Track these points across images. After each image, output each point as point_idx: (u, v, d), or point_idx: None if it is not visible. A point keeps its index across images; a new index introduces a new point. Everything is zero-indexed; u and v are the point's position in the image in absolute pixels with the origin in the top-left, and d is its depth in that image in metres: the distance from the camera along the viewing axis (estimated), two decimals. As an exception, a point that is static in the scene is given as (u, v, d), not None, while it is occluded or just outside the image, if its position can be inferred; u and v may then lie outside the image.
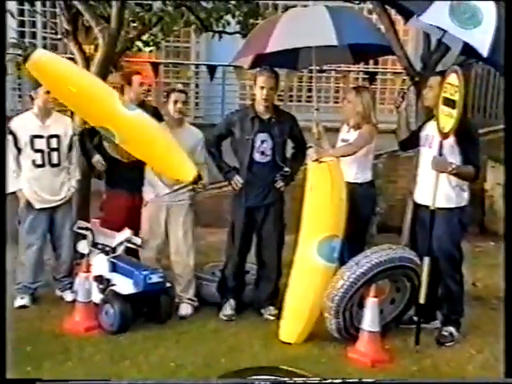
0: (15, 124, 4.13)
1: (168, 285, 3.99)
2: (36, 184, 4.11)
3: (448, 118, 3.53)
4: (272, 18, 4.60)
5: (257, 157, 4.01)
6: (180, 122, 4.12)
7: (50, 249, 4.36)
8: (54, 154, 4.13)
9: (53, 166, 4.14)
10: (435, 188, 3.61)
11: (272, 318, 4.04)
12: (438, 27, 3.55)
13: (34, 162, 4.09)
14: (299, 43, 3.82)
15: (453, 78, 3.52)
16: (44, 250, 4.31)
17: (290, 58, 4.29)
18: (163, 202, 4.10)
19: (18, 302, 4.17)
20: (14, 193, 4.14)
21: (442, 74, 3.85)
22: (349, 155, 3.96)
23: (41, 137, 4.09)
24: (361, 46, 4.06)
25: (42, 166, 4.10)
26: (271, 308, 4.12)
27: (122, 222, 4.11)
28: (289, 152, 4.24)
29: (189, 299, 4.16)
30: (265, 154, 4.02)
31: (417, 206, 3.94)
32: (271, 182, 4.03)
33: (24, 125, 4.13)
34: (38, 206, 4.14)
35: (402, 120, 4.06)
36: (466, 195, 3.78)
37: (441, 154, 3.61)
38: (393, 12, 5.05)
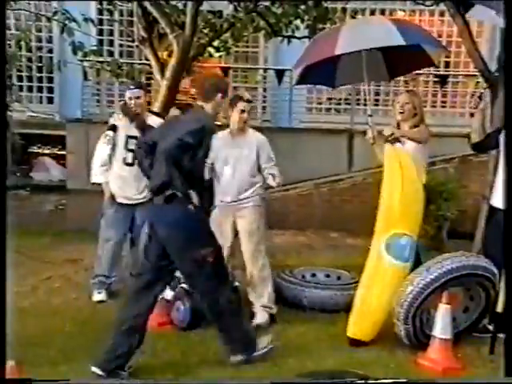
0: (116, 122, 4.41)
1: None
2: (122, 180, 4.38)
3: None
4: (332, 28, 4.81)
5: None
6: (243, 129, 4.11)
7: (128, 245, 4.58)
8: None
9: None
10: None
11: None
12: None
13: (124, 159, 4.37)
14: (368, 45, 3.85)
15: None
16: (122, 246, 4.53)
17: (328, 77, 4.38)
18: (229, 207, 4.09)
19: (96, 296, 4.39)
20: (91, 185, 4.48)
21: None
22: (417, 141, 3.96)
23: (135, 138, 4.29)
24: (399, 61, 4.18)
25: (131, 164, 4.32)
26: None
27: None
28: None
29: (264, 306, 4.06)
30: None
31: (493, 210, 3.86)
32: None
33: (123, 124, 4.39)
34: (120, 200, 4.40)
35: (478, 121, 4.01)
36: None
37: None
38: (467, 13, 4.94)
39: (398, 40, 3.66)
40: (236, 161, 4.05)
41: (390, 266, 3.69)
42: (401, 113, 4.13)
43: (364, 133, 4.12)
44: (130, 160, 4.33)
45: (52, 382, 2.73)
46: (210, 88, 3.41)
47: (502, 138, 3.82)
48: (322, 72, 4.18)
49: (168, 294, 4.03)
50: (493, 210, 3.89)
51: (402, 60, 4.21)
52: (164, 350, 3.58)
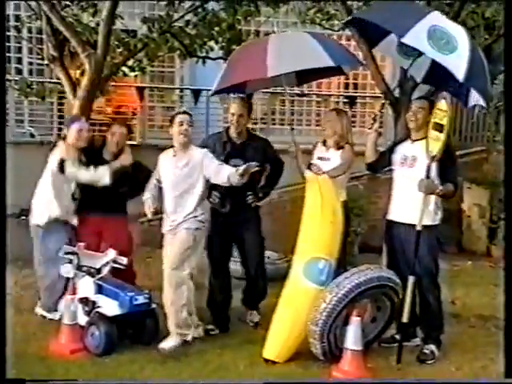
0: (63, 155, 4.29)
1: (153, 306, 4.02)
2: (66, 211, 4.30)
3: (436, 141, 3.71)
4: (257, 42, 4.88)
5: None
6: (185, 146, 3.97)
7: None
8: None
9: None
10: (422, 209, 3.74)
11: (252, 324, 4.42)
12: (416, 49, 3.65)
13: (73, 195, 4.33)
14: (298, 66, 3.96)
15: (442, 104, 3.73)
16: None
17: (238, 84, 4.28)
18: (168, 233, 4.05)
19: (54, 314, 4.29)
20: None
21: (427, 98, 4.04)
22: (340, 175, 4.08)
23: None
24: (309, 70, 4.17)
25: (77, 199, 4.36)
26: (254, 313, 4.47)
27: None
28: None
29: (178, 333, 3.90)
30: None
31: (392, 224, 4.04)
32: (245, 200, 4.24)
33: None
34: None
35: (371, 142, 4.14)
36: (440, 213, 3.93)
37: (428, 177, 3.74)
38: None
39: (327, 61, 3.78)
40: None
41: (306, 289, 3.75)
42: (328, 131, 4.19)
43: (282, 151, 4.24)
44: (77, 195, 4.33)
45: (58, 382, 2.56)
46: None
47: (393, 156, 4.05)
48: None
49: (82, 319, 3.93)
50: (389, 222, 4.08)
51: (312, 69, 4.19)
52: (77, 378, 3.46)
